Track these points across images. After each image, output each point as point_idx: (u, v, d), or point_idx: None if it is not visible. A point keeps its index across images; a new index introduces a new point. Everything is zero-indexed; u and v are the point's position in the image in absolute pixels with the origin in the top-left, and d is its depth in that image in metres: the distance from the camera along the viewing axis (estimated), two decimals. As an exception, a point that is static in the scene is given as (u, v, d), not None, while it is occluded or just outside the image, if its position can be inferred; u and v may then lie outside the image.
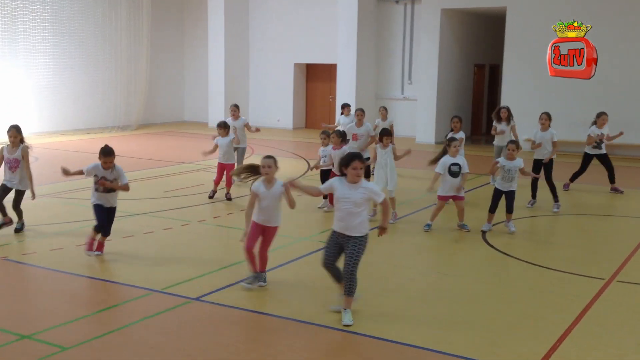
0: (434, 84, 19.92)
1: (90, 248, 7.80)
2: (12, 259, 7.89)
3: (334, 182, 6.17)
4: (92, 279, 7.28)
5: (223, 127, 11.51)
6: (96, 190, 7.78)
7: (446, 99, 20.36)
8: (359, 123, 11.92)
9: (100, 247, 7.93)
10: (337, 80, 21.48)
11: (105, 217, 7.83)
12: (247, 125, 12.94)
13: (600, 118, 12.16)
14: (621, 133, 12.28)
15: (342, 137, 10.18)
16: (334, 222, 6.16)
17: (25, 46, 19.90)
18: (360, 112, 12.10)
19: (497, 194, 9.45)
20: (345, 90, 21.03)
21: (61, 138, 19.70)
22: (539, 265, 7.99)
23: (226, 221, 9.95)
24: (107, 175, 7.73)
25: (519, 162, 9.26)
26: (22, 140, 8.79)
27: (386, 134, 9.87)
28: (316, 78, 23.64)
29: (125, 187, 7.86)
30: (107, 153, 7.70)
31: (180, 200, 11.32)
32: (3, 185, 8.78)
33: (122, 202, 10.64)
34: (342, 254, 6.16)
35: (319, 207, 10.63)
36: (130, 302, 6.63)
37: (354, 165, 5.96)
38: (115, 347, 5.56)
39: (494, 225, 9.63)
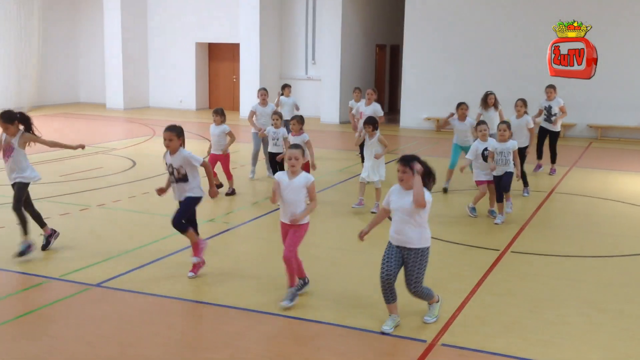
0: (337, 64, 20.09)
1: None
2: None
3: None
4: (-16, 268, 6.91)
5: (221, 114, 10.55)
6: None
7: (349, 79, 20.58)
8: (369, 102, 11.80)
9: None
10: (240, 60, 21.25)
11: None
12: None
13: (546, 91, 12.34)
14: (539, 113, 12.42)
15: (302, 123, 9.79)
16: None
17: None
18: (372, 91, 12.01)
19: (496, 182, 9.10)
20: (249, 70, 20.87)
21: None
22: (437, 239, 8.23)
23: (127, 205, 9.68)
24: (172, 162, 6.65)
25: (512, 144, 9.02)
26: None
27: (368, 122, 9.40)
28: (219, 58, 23.28)
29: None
30: (167, 128, 6.64)
31: (78, 184, 10.90)
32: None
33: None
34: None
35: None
36: (26, 291, 6.35)
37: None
38: (10, 337, 5.33)
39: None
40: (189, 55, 22.82)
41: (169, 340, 5.34)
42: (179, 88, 23.08)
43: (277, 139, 10.22)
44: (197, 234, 6.77)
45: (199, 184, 6.67)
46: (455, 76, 18.40)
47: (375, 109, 11.72)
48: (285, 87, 13.75)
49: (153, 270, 6.92)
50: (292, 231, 6.02)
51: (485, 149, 9.09)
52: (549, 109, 12.34)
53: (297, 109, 13.30)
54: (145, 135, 16.66)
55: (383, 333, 5.49)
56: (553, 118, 12.29)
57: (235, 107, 22.31)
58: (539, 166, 12.79)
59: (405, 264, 5.52)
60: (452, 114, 10.82)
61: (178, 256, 7.29)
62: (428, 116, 19.07)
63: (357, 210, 9.51)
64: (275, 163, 10.21)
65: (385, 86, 23.62)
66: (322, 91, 20.39)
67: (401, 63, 20.07)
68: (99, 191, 10.43)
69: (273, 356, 5.10)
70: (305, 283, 6.26)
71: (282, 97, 13.57)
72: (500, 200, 9.12)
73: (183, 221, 6.61)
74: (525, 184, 10.75)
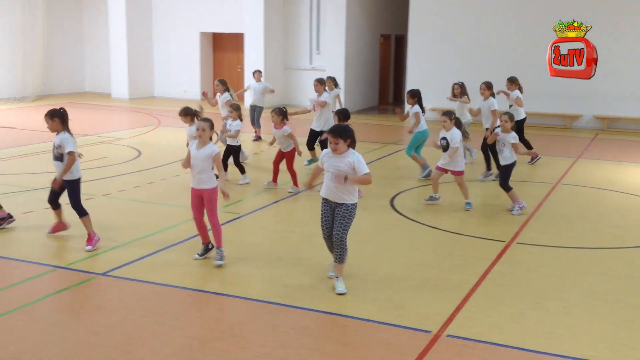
0: (342, 54, 20.03)
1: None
2: None
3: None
4: (-10, 257, 6.94)
5: (236, 108, 10.39)
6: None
7: (354, 69, 20.53)
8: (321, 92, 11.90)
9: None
10: (244, 50, 21.21)
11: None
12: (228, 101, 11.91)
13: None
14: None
15: (283, 115, 9.77)
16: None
17: None
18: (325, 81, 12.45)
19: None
20: (254, 60, 20.80)
21: (-49, 110, 18.53)
22: (442, 229, 8.26)
23: (132, 194, 9.70)
24: (55, 140, 7.21)
25: (510, 136, 9.01)
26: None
27: (338, 113, 9.66)
28: (223, 48, 23.23)
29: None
30: (46, 113, 7.18)
31: (83, 173, 10.86)
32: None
33: (20, 176, 10.22)
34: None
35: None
36: (32, 279, 6.38)
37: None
38: (16, 326, 5.35)
39: (401, 192, 9.86)
40: (193, 45, 22.78)
41: (174, 330, 5.37)
42: (183, 78, 23.04)
43: (231, 131, 10.20)
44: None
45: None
46: (461, 66, 18.31)
47: (325, 99, 11.79)
48: (256, 72, 14.12)
49: (158, 259, 6.94)
50: (206, 197, 6.65)
51: (442, 138, 9.22)
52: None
53: (272, 91, 14.36)
54: (150, 125, 16.66)
55: (339, 294, 6.01)
56: (510, 109, 12.11)
57: (241, 97, 22.20)
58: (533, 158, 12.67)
59: (335, 216, 6.07)
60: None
61: (183, 245, 7.31)
62: (433, 107, 18.98)
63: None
64: (229, 155, 10.30)
65: (390, 76, 23.55)
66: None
67: (406, 53, 19.99)
68: (105, 180, 10.44)
69: (276, 346, 5.12)
70: (220, 256, 6.76)
71: (252, 82, 13.90)
72: (507, 190, 9.13)
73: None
74: (488, 167, 11.14)
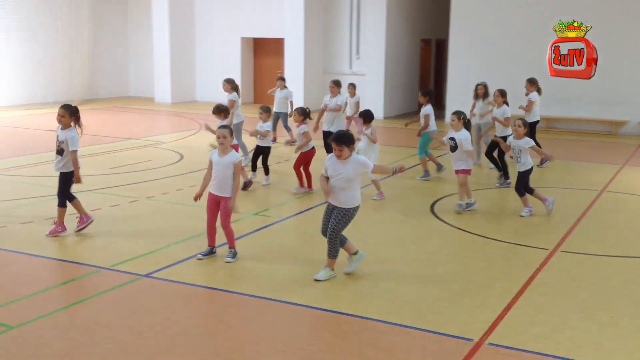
0: (382, 58, 19.98)
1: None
2: (-48, 238, 7.63)
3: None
4: (38, 257, 7.09)
5: (219, 112, 10.82)
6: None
7: (394, 74, 20.46)
8: (333, 95, 12.17)
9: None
10: (284, 55, 21.32)
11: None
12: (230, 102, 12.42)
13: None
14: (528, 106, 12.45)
15: (304, 114, 10.05)
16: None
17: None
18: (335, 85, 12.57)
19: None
20: (293, 65, 20.91)
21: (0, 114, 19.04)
22: (485, 237, 8.16)
23: (175, 197, 9.82)
24: (59, 135, 7.55)
25: (524, 141, 8.96)
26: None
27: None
28: (264, 53, 23.40)
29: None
30: (62, 106, 7.57)
31: (127, 176, 11.11)
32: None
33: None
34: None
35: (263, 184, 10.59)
36: (78, 280, 6.51)
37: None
38: (62, 325, 5.46)
39: (441, 199, 9.79)
40: (234, 50, 23.00)
41: (217, 332, 5.41)
42: (224, 83, 23.23)
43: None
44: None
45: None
46: (503, 71, 18.08)
47: (340, 102, 12.13)
48: (278, 80, 14.20)
49: (200, 261, 7.00)
50: (224, 205, 6.83)
51: (451, 138, 9.14)
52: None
53: (291, 102, 14.26)
54: (192, 129, 16.87)
55: (316, 280, 6.39)
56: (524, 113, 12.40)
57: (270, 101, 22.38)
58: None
59: (332, 215, 6.39)
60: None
61: (225, 248, 7.36)
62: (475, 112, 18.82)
63: (379, 204, 9.47)
64: (259, 155, 10.48)
65: (431, 81, 23.40)
66: (367, 86, 20.29)
67: (447, 57, 19.85)
68: (148, 183, 10.61)
69: (316, 350, 5.12)
70: (231, 254, 7.00)
71: (276, 89, 14.18)
72: (521, 195, 9.08)
73: None
74: (505, 175, 10.89)
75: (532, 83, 12.41)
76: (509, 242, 7.95)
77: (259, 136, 10.39)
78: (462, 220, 8.84)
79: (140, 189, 10.16)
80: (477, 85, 12.32)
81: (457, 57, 19.06)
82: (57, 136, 7.55)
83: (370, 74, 20.27)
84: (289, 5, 20.78)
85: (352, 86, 14.34)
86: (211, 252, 7.10)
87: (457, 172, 9.18)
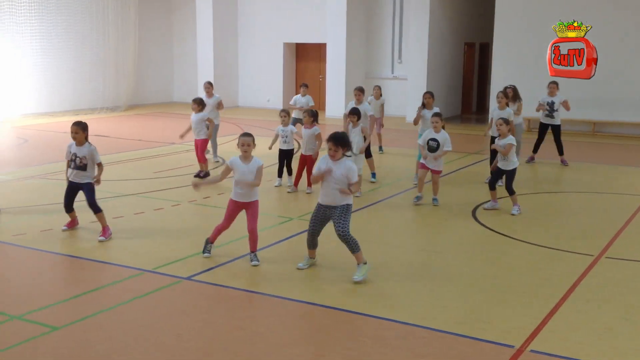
0: (424, 63, 19.85)
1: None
2: (2, 240, 7.86)
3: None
4: (82, 259, 7.27)
5: (198, 103, 11.58)
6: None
7: (437, 78, 20.30)
8: (358, 102, 12.06)
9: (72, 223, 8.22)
10: (326, 59, 21.38)
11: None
12: (219, 104, 13.12)
13: (549, 87, 12.67)
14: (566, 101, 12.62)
15: (314, 116, 10.23)
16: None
17: (11, 27, 19.64)
18: (358, 92, 12.32)
19: (498, 171, 9.40)
20: (335, 69, 20.95)
21: (49, 119, 19.55)
22: (528, 242, 8.04)
23: (217, 201, 9.93)
24: (76, 152, 7.78)
25: (507, 139, 9.16)
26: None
27: (352, 113, 10.09)
28: (306, 58, 23.51)
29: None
30: (74, 123, 7.81)
31: (170, 180, 11.29)
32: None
33: (112, 183, 10.66)
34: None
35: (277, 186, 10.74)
36: (121, 282, 6.64)
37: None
38: (105, 326, 5.57)
39: (483, 203, 9.68)
40: (277, 55, 23.17)
41: (254, 335, 5.45)
42: (266, 88, 23.46)
43: (287, 137, 10.48)
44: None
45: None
46: (545, 74, 17.75)
47: (365, 108, 11.84)
48: (301, 87, 14.16)
49: (241, 265, 7.07)
50: (251, 210, 6.95)
51: (432, 139, 9.44)
52: (551, 105, 12.65)
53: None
54: (234, 134, 17.02)
55: (299, 268, 6.74)
56: (555, 114, 12.65)
57: (322, 107, 22.44)
58: (531, 158, 13.07)
59: (334, 216, 6.50)
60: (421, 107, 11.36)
61: (267, 251, 7.42)
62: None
63: (417, 207, 9.39)
64: (284, 159, 10.59)
65: (474, 85, 23.16)
66: (408, 90, 20.20)
67: (490, 61, 19.61)
68: (191, 188, 10.72)
69: (356, 356, 5.10)
70: (255, 258, 7.09)
71: (297, 96, 14.08)
72: (511, 193, 9.26)
73: None
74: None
75: (558, 84, 12.67)
76: (552, 248, 7.81)
77: (281, 139, 10.48)
78: (505, 225, 8.72)
79: (183, 193, 10.31)
80: (506, 88, 12.27)
81: (501, 61, 18.81)
82: (74, 153, 7.77)
83: (412, 78, 20.15)
84: (330, 10, 20.83)
85: (378, 88, 14.33)
86: (207, 244, 7.28)
87: (436, 172, 9.54)
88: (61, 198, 9.90)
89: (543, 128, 12.92)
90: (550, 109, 12.68)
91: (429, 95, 11.31)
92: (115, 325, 5.62)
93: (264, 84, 23.54)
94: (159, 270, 6.85)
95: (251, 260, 7.05)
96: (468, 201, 9.92)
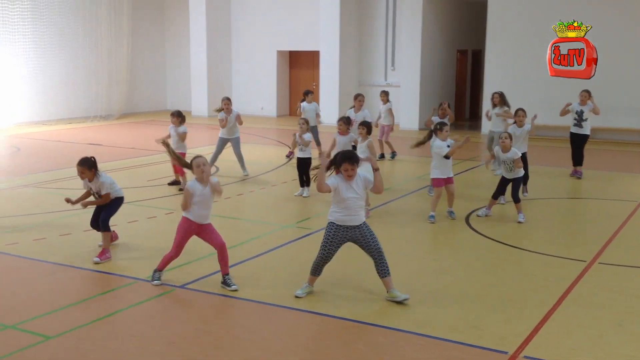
0: (417, 70, 19.92)
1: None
2: (-6, 249, 7.84)
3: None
4: (76, 268, 7.24)
5: (177, 116, 11.33)
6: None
7: (429, 86, 20.38)
8: (358, 109, 12.14)
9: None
10: (320, 67, 21.44)
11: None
12: (238, 118, 12.78)
13: (580, 95, 12.29)
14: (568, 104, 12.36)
15: (348, 123, 10.04)
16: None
17: (4, 36, 19.62)
18: (361, 97, 12.52)
19: (504, 181, 9.35)
20: (329, 77, 21.01)
21: (42, 128, 19.51)
22: (521, 248, 8.06)
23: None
24: (91, 186, 7.56)
25: (511, 153, 9.10)
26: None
27: (361, 124, 9.62)
28: (299, 65, 23.56)
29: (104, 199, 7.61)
30: (78, 163, 7.47)
31: (164, 189, 11.28)
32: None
33: (105, 191, 10.62)
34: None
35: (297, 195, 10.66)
36: (115, 291, 6.62)
37: (344, 167, 6.13)
38: (99, 335, 5.55)
39: (475, 210, 9.71)
40: (270, 63, 23.21)
41: (249, 343, 5.44)
42: (260, 96, 23.49)
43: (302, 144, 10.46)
44: None
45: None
46: (540, 82, 17.87)
47: (365, 115, 12.00)
48: (307, 94, 14.07)
49: (233, 273, 7.05)
50: (209, 227, 6.64)
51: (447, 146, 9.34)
52: (580, 114, 12.22)
53: (318, 115, 14.06)
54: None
55: (297, 296, 6.30)
56: (584, 123, 12.20)
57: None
58: (575, 171, 12.49)
59: (365, 235, 6.18)
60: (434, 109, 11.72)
61: (261, 259, 7.42)
62: (512, 122, 18.62)
63: (412, 216, 9.42)
64: (303, 168, 10.49)
65: (467, 92, 23.25)
66: (401, 98, 20.26)
67: (483, 68, 19.71)
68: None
69: (351, 362, 5.11)
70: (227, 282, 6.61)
71: (303, 104, 13.94)
72: (517, 201, 9.21)
73: None
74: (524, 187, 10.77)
75: (590, 93, 12.30)
76: (546, 254, 7.84)
77: (299, 147, 10.47)
78: (497, 232, 8.75)
79: (176, 201, 10.28)
80: (493, 93, 12.55)
81: (493, 68, 18.90)
82: (90, 187, 7.55)
83: (405, 85, 20.23)
84: (324, 18, 20.91)
85: (385, 93, 14.33)
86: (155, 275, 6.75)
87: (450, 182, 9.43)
88: (54, 207, 9.88)
89: (573, 138, 12.41)
90: (579, 118, 12.20)
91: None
92: (109, 334, 5.60)
93: (257, 92, 23.56)
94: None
95: (229, 286, 6.52)
96: (462, 207, 9.93)
